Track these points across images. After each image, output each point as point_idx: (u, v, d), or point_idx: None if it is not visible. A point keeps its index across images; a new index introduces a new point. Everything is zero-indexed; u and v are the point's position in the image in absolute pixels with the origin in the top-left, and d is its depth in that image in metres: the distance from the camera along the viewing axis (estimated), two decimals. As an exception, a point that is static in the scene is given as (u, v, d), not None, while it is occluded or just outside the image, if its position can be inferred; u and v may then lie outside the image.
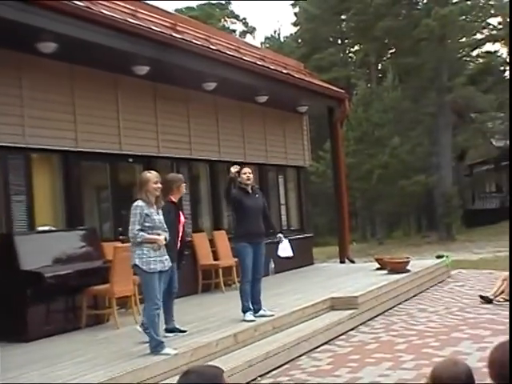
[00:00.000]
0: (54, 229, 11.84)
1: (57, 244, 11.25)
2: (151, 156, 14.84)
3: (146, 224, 8.72)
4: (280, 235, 11.70)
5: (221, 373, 3.63)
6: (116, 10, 12.40)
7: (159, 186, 8.98)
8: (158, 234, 8.84)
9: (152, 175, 8.99)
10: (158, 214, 8.96)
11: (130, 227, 8.73)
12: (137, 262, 8.71)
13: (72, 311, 11.23)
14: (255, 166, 17.49)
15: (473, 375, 3.76)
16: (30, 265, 10.46)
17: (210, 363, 8.28)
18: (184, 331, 10.11)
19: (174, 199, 10.10)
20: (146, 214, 8.73)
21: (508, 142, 42.19)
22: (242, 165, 11.72)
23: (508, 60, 39.93)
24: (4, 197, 11.62)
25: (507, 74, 48.68)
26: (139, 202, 8.80)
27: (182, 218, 10.34)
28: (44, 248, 11.01)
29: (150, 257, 8.71)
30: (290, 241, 11.99)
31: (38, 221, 12.05)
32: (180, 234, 10.15)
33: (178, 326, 10.18)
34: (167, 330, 10.01)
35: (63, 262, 11.14)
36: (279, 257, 11.77)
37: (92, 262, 11.61)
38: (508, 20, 40.20)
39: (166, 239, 8.91)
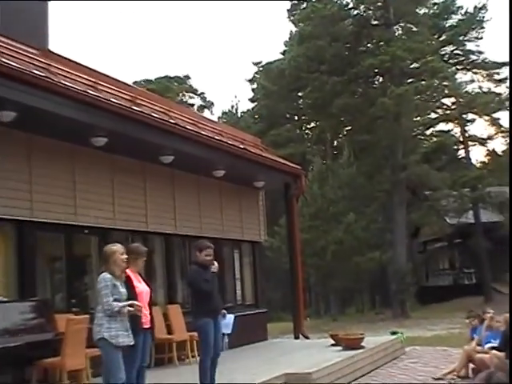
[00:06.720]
0: (4, 299, 11.61)
1: (7, 315, 10.96)
2: (107, 228, 14.73)
3: (114, 296, 8.48)
4: (224, 311, 11.41)
5: None
6: (76, 81, 12.42)
7: (126, 256, 8.86)
8: None
9: (118, 247, 8.85)
10: (122, 287, 8.73)
11: (103, 300, 8.41)
12: (105, 335, 8.39)
13: (21, 385, 10.93)
14: (211, 240, 17.41)
15: None
16: (-22, 336, 10.20)
17: None
18: None
19: (128, 272, 9.76)
20: (114, 286, 8.52)
21: (461, 219, 42.77)
22: (204, 243, 11.54)
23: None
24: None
25: (460, 152, 49.61)
26: (106, 274, 8.56)
27: (146, 288, 10.04)
28: (-6, 319, 10.75)
29: (119, 330, 8.46)
30: (235, 317, 11.98)
31: (-11, 291, 11.82)
32: (146, 304, 9.88)
33: None
34: None
35: (13, 334, 10.83)
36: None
37: (43, 334, 11.32)
38: (459, 100, 41.16)
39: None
